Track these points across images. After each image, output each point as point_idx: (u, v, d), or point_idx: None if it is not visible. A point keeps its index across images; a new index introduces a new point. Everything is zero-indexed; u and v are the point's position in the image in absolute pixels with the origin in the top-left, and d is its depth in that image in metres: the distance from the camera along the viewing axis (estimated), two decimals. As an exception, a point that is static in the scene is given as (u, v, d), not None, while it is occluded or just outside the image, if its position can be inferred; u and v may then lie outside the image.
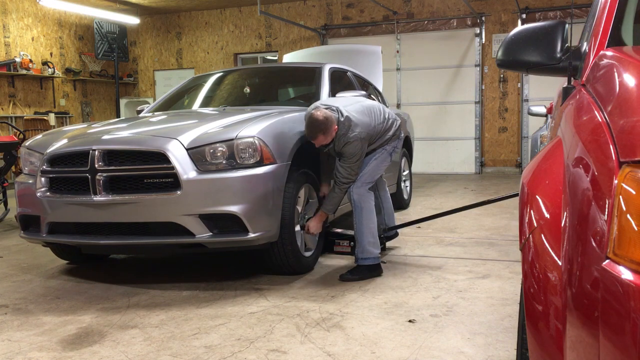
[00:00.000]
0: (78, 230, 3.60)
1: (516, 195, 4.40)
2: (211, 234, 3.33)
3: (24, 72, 10.07)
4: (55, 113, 10.83)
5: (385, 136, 3.85)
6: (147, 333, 2.80)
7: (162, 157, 3.32)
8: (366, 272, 3.62)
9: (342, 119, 3.61)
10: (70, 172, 3.53)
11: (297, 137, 3.71)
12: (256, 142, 3.39)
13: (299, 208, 3.78)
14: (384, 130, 3.84)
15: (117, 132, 3.64)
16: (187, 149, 3.35)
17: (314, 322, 2.87)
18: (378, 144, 3.83)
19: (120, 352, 2.57)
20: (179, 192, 3.28)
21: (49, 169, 3.61)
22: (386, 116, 3.88)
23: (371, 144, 3.78)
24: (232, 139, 3.37)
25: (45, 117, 10.18)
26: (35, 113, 10.47)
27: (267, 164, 3.43)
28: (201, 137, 3.41)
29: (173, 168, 3.28)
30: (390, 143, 3.89)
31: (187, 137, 3.40)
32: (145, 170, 3.35)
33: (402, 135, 4.03)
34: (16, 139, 6.48)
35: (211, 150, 3.36)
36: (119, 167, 3.39)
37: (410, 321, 2.83)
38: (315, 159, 4.11)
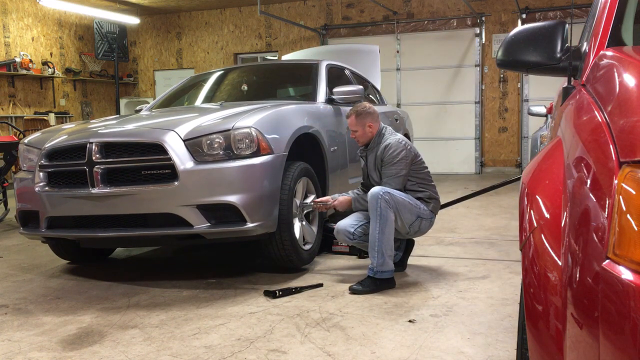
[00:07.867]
0: (77, 224, 3.60)
1: (517, 179, 4.40)
2: (209, 224, 3.33)
3: (24, 72, 10.06)
4: (56, 113, 10.83)
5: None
6: (147, 333, 2.80)
7: (159, 149, 3.32)
8: (380, 284, 3.34)
9: (386, 127, 3.69)
10: (68, 165, 3.54)
11: (294, 129, 3.73)
12: (253, 132, 3.39)
13: (297, 201, 3.78)
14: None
15: (115, 126, 3.66)
16: (184, 140, 3.35)
17: (314, 322, 2.86)
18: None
19: (120, 352, 2.57)
20: (176, 183, 3.28)
21: (47, 163, 3.61)
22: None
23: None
24: (228, 130, 3.37)
25: (45, 117, 10.18)
26: (35, 113, 10.47)
27: (264, 155, 3.43)
28: (198, 128, 3.43)
29: (170, 159, 3.29)
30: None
31: (184, 129, 3.41)
32: (143, 161, 3.36)
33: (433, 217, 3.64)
34: (16, 139, 6.48)
35: (208, 141, 3.36)
36: (116, 160, 3.40)
37: (410, 321, 2.83)
38: (317, 153, 4.11)
